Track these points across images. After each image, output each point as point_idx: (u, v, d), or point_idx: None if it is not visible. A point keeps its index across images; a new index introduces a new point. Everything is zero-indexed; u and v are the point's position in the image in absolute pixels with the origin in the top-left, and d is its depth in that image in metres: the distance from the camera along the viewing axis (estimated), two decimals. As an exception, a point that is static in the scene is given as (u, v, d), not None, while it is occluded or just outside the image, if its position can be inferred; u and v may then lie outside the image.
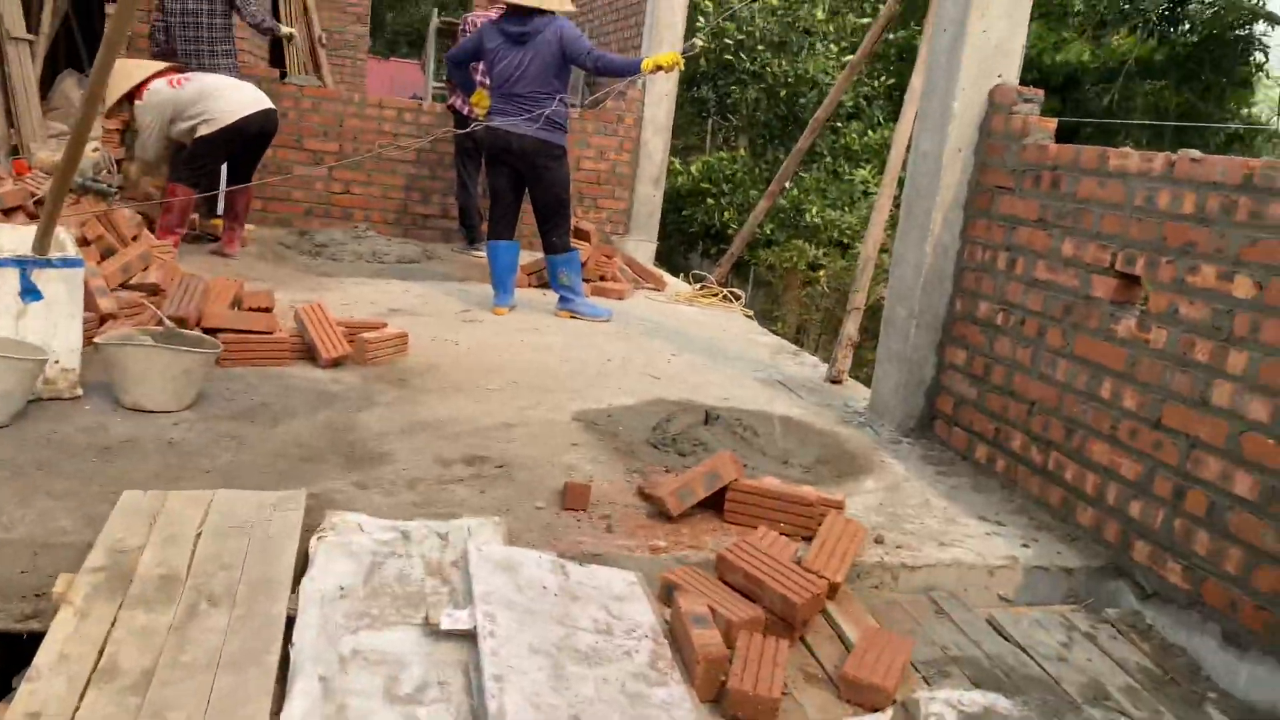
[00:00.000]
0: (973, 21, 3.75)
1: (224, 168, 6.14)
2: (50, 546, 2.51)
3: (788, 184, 9.63)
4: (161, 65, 5.87)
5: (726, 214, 11.26)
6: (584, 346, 4.99)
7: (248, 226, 6.77)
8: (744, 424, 3.83)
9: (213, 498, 2.76)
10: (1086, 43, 14.21)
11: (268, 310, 4.30)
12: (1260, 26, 15.32)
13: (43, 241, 3.35)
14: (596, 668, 2.25)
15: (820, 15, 11.60)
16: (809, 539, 2.98)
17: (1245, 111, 15.89)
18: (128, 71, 5.60)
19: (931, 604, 2.86)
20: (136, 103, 5.62)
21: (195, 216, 6.59)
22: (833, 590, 2.73)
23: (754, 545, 2.76)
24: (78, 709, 1.95)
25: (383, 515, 2.82)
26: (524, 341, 4.97)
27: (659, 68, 5.01)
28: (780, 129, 11.96)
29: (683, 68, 5.17)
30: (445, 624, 2.30)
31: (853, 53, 11.74)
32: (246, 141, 5.85)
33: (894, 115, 12.65)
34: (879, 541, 3.05)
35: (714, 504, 3.12)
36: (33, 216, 4.53)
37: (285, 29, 6.80)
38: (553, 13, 5.16)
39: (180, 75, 5.84)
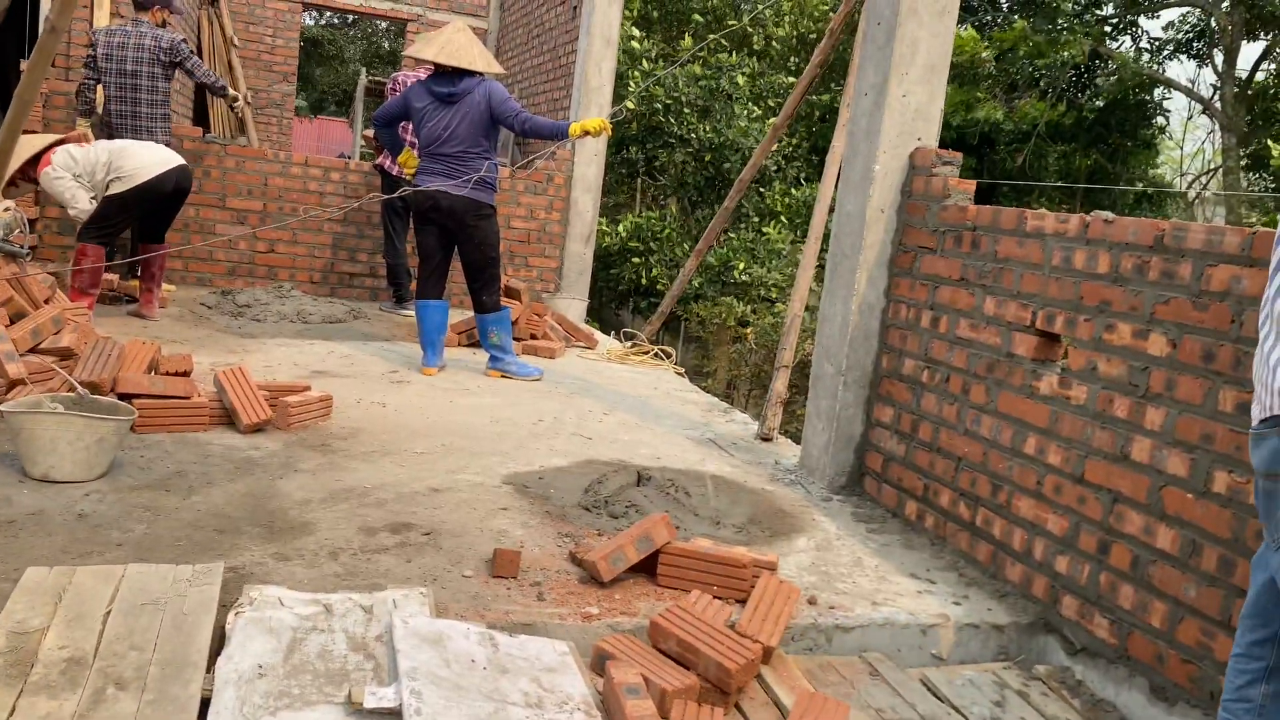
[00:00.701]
0: (893, 87, 3.86)
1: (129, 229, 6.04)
2: (-56, 631, 2.36)
3: (716, 243, 9.76)
4: (57, 136, 5.72)
5: (655, 270, 11.37)
6: (515, 406, 4.93)
7: (168, 287, 6.62)
8: (676, 484, 3.80)
9: (124, 573, 2.64)
10: (999, 105, 14.78)
11: (186, 374, 4.17)
12: (1160, 91, 16.13)
13: (-55, 306, 3.22)
14: (527, 744, 2.18)
15: (741, 81, 11.88)
16: (743, 601, 2.95)
17: (1151, 173, 16.64)
18: (29, 144, 5.43)
19: (866, 665, 2.85)
20: (44, 170, 5.44)
21: (114, 277, 6.41)
22: (767, 654, 2.70)
23: (687, 610, 2.72)
24: (-31, 809, 1.82)
25: (304, 588, 2.72)
26: (454, 403, 4.90)
27: (586, 133, 5.04)
28: (707, 189, 12.16)
29: (610, 133, 5.22)
30: (369, 703, 2.21)
31: (775, 113, 12.06)
32: (161, 200, 5.71)
33: (814, 175, 12.98)
34: (812, 602, 3.04)
35: (647, 567, 3.08)
36: (-63, 279, 4.35)
37: (234, 92, 6.77)
38: (481, 74, 5.18)
39: (84, 141, 5.72)
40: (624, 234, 11.64)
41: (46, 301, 4.68)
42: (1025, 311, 3.30)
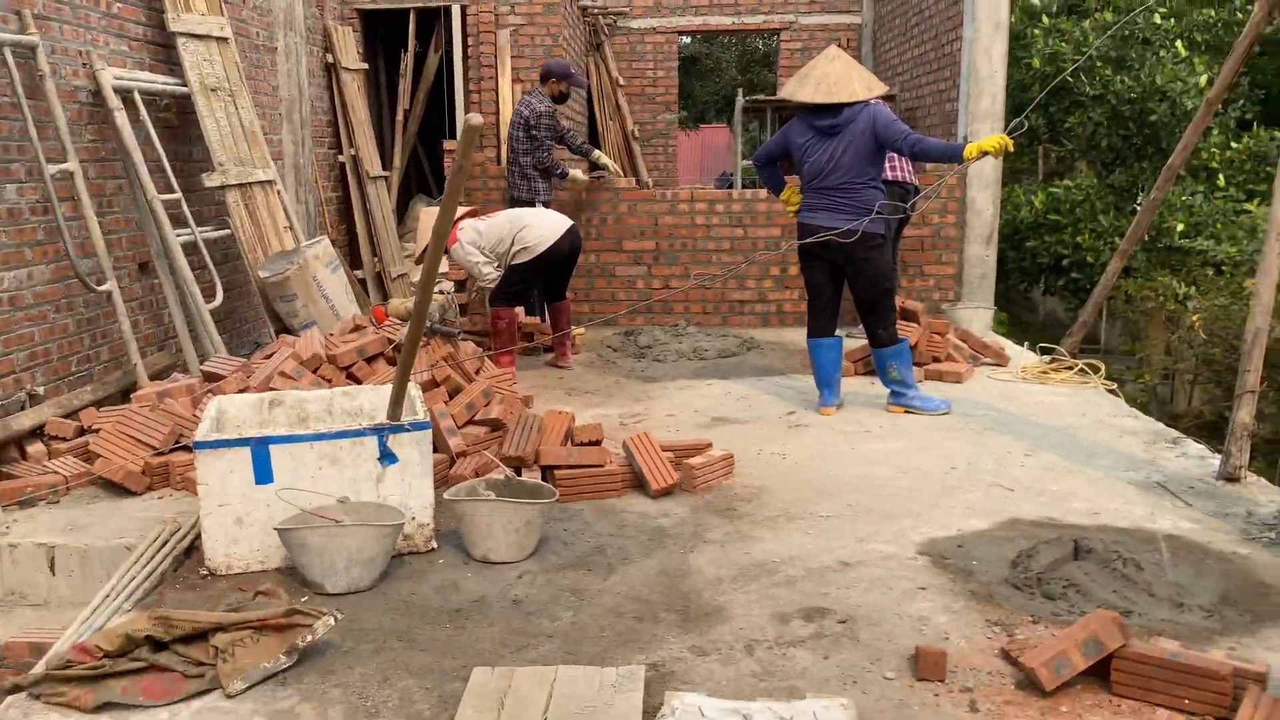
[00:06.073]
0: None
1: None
2: (410, 735, 2.60)
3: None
4: (464, 209, 6.23)
5: (1081, 237, 10.22)
6: (922, 450, 4.62)
7: (578, 330, 7.05)
8: (1122, 554, 3.31)
9: (555, 676, 2.75)
10: None
11: (597, 443, 4.35)
12: None
13: (396, 408, 3.58)
14: None
15: (1159, 20, 10.39)
16: (1224, 721, 2.47)
17: None
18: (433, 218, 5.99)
19: None
20: (453, 245, 5.95)
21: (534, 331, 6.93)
22: (1269, 806, 2.21)
23: (1157, 744, 2.31)
24: None
25: (722, 689, 2.68)
26: (854, 450, 4.69)
27: (984, 153, 4.59)
28: (1125, 149, 10.80)
29: (1011, 150, 4.67)
30: None
31: (1205, 51, 10.42)
32: (560, 262, 6.08)
33: (1262, 118, 11.03)
34: (1323, 728, 2.46)
35: (1097, 668, 2.68)
36: (391, 361, 4.94)
37: (598, 155, 7.10)
38: (864, 100, 4.91)
39: (483, 213, 6.21)
40: (1040, 206, 10.64)
41: (477, 373, 5.14)
42: None
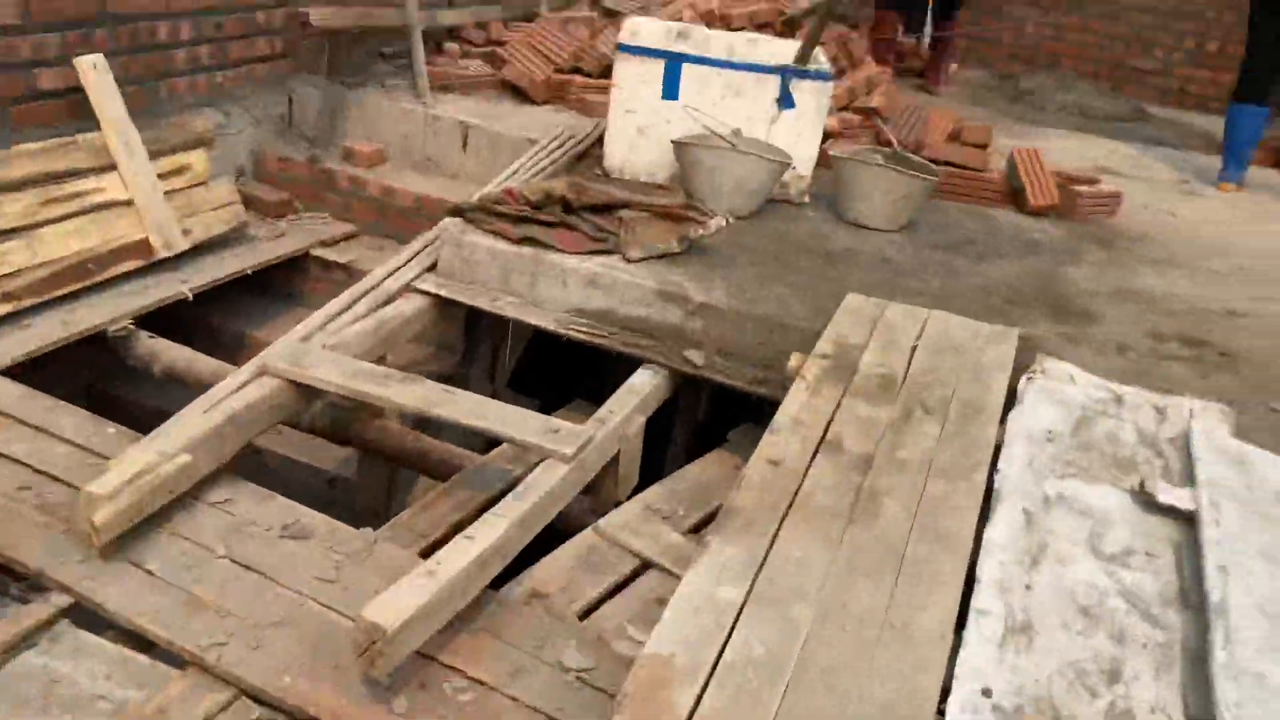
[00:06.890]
0: None
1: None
2: (784, 327, 2.80)
3: None
4: None
5: None
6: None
7: (951, 66, 6.70)
8: None
9: (928, 316, 2.84)
10: None
11: (983, 147, 4.24)
12: None
13: (806, 51, 3.60)
14: (1345, 600, 1.93)
15: None
16: None
17: None
18: None
19: None
20: None
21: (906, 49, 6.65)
22: None
23: None
24: (808, 469, 2.17)
25: (1093, 373, 2.68)
26: (1254, 226, 4.30)
27: None
28: None
29: None
30: (1163, 497, 2.13)
31: None
32: None
33: None
34: None
35: None
36: (780, 33, 4.91)
37: None
38: None
39: None
40: None
41: (862, 63, 5.04)
42: None
